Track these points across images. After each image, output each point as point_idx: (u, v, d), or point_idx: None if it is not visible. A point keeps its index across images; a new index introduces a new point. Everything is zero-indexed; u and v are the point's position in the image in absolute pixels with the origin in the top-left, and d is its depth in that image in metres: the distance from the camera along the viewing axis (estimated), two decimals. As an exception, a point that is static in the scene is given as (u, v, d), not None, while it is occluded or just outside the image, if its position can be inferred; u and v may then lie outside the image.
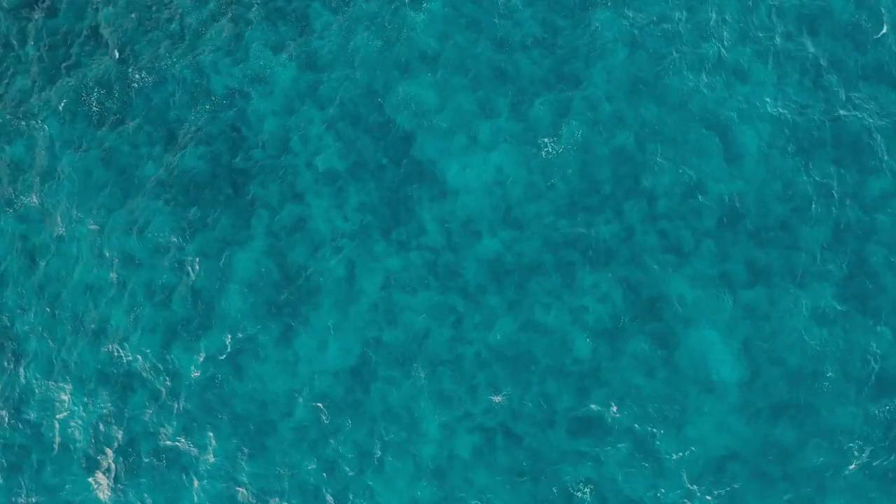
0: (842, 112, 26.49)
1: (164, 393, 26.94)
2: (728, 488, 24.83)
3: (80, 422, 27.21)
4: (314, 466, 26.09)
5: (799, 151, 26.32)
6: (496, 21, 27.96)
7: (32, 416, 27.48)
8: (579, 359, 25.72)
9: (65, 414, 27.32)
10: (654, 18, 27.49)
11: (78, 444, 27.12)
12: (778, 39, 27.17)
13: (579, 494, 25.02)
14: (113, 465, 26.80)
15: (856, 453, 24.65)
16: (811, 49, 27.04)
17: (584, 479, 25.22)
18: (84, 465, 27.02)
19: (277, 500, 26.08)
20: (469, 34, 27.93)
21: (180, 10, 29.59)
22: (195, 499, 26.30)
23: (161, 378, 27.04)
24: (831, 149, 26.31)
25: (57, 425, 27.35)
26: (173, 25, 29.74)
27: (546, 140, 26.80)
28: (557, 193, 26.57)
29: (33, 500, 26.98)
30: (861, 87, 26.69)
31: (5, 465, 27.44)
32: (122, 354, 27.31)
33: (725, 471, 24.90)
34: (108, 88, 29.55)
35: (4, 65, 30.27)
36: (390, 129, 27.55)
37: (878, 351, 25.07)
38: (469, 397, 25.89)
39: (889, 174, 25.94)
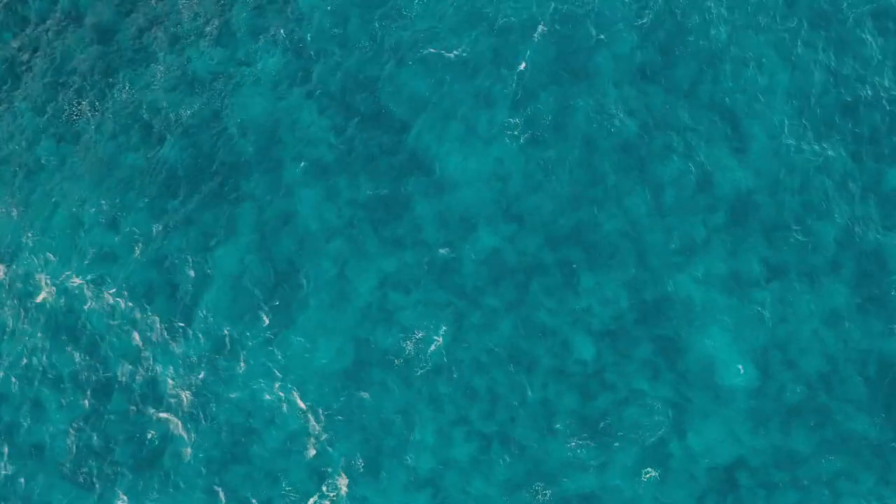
0: (859, 102, 26.47)
1: (143, 396, 26.67)
2: (736, 496, 24.82)
3: (56, 427, 26.82)
4: (302, 475, 25.85)
5: (813, 143, 26.32)
6: (496, 6, 27.83)
7: (7, 419, 27.09)
8: (582, 362, 25.69)
9: (41, 419, 26.93)
10: (662, 5, 27.44)
11: (54, 450, 26.69)
12: (790, 27, 27.19)
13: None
14: (90, 471, 26.42)
15: (871, 460, 24.59)
16: (825, 37, 27.13)
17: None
18: (60, 471, 26.55)
19: (263, 511, 26.04)
20: (467, 20, 27.77)
21: (161, -8, 29.69)
22: (178, 509, 26.18)
23: (140, 380, 26.73)
24: (847, 140, 26.32)
25: (32, 429, 26.94)
26: (156, 9, 29.47)
27: (544, 131, 26.84)
28: (559, 187, 26.51)
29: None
30: (878, 76, 26.67)
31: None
32: (100, 355, 26.97)
33: (733, 478, 24.91)
34: (87, 76, 29.26)
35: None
36: (384, 120, 27.43)
37: None
38: (466, 402, 25.77)
39: (907, 168, 26.29)
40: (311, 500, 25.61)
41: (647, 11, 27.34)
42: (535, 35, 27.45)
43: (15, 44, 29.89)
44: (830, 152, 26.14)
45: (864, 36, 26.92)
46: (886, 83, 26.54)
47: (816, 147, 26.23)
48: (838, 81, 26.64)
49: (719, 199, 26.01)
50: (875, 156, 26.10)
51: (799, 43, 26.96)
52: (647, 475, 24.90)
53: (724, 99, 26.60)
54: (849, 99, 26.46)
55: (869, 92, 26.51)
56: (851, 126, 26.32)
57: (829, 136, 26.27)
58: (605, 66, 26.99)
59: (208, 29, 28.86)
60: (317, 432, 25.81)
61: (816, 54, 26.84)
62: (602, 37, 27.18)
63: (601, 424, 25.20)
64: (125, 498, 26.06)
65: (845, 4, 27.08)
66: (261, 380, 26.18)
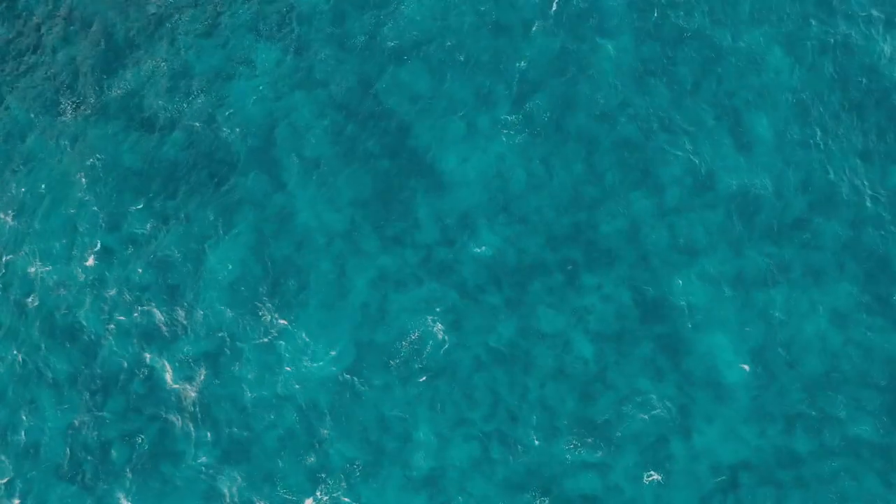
0: (865, 99, 26.37)
1: (142, 396, 26.55)
2: (738, 496, 24.65)
3: (54, 426, 26.71)
4: (301, 475, 25.67)
5: (819, 140, 26.16)
6: (495, 3, 27.79)
7: (4, 419, 26.94)
8: (582, 363, 25.56)
9: (38, 418, 26.82)
10: (665, 2, 27.43)
11: (52, 450, 26.58)
12: (795, 24, 27.10)
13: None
14: (88, 471, 26.28)
15: (874, 461, 24.44)
16: (831, 33, 27.00)
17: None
18: (58, 471, 26.42)
19: (261, 512, 26.03)
20: (467, 16, 27.70)
21: (159, -10, 29.68)
22: (174, 509, 26.15)
23: (139, 380, 26.62)
24: (854, 138, 26.19)
25: (29, 429, 26.82)
26: (151, 6, 29.39)
27: (545, 129, 26.75)
28: (560, 186, 26.41)
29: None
30: (885, 73, 26.60)
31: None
32: (97, 356, 26.86)
33: (736, 478, 24.76)
34: (83, 74, 29.16)
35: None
36: (383, 118, 27.35)
37: (900, 355, 25.13)
38: (466, 402, 25.65)
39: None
40: (310, 500, 25.46)
41: (649, 8, 27.22)
42: (536, 33, 27.37)
43: (11, 42, 29.85)
44: (836, 150, 26.02)
45: (870, 32, 26.76)
46: (895, 79, 26.47)
47: (822, 145, 26.08)
48: (844, 78, 26.52)
49: (723, 198, 25.89)
50: (882, 153, 25.97)
51: (804, 40, 26.85)
52: (650, 478, 24.79)
53: (728, 96, 26.51)
54: (855, 96, 26.35)
55: (876, 89, 26.38)
56: (858, 123, 26.18)
57: (835, 134, 26.14)
58: (608, 63, 26.88)
59: (207, 27, 28.81)
60: (316, 432, 25.68)
61: (822, 51, 26.72)
62: (604, 34, 27.10)
63: (602, 424, 25.06)
64: (124, 498, 25.95)
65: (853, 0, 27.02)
66: (260, 379, 26.05)
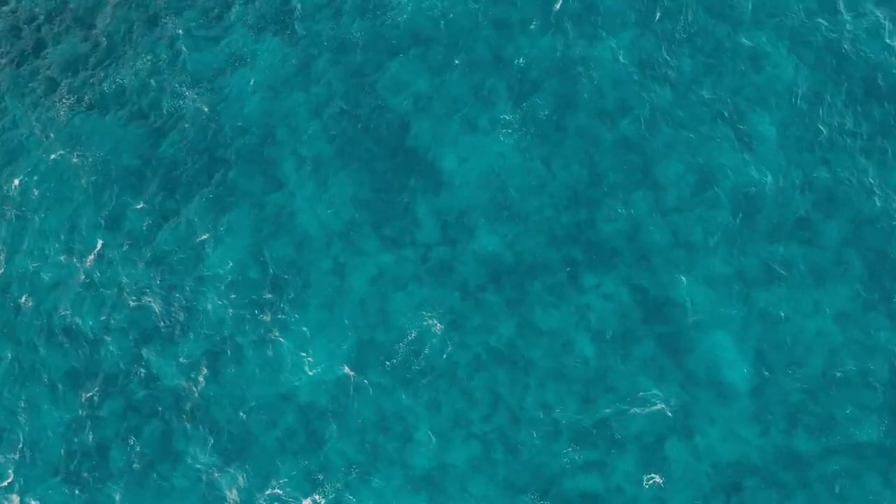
0: (869, 97, 26.25)
1: (140, 396, 26.55)
2: (740, 497, 24.50)
3: (52, 427, 26.78)
4: (299, 478, 25.67)
5: (819, 140, 26.06)
6: (495, 3, 27.82)
7: (2, 420, 27.06)
8: (583, 362, 25.46)
9: (37, 419, 26.89)
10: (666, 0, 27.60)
11: (50, 450, 26.67)
12: (798, 21, 27.02)
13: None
14: (87, 472, 26.36)
15: (877, 462, 24.26)
16: (834, 30, 26.89)
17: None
18: (56, 472, 26.52)
19: (260, 513, 25.98)
20: (466, 14, 27.71)
21: (157, -13, 29.69)
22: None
23: (135, 382, 26.64)
24: (856, 135, 26.04)
25: (28, 430, 26.90)
26: (150, 4, 29.50)
27: (545, 128, 26.68)
28: (560, 185, 26.31)
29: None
30: (891, 70, 26.40)
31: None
32: (94, 357, 26.89)
33: (738, 479, 24.62)
34: (81, 71, 29.24)
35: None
36: (382, 116, 27.32)
37: (903, 354, 24.97)
38: (466, 403, 25.59)
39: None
40: (309, 501, 25.43)
41: (650, 6, 27.14)
42: (536, 31, 27.33)
43: (9, 38, 29.91)
44: (839, 148, 25.90)
45: (875, 30, 26.64)
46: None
47: (825, 143, 25.97)
48: (848, 76, 26.39)
49: (724, 196, 25.77)
50: (885, 152, 25.80)
51: (808, 37, 26.74)
52: (651, 480, 24.72)
53: (731, 94, 26.41)
54: (859, 94, 26.22)
55: (880, 87, 26.25)
56: (862, 121, 26.06)
57: (838, 132, 26.02)
58: (608, 61, 26.80)
59: (205, 25, 28.84)
60: (316, 432, 25.66)
61: (826, 48, 26.62)
62: (605, 32, 27.02)
63: (603, 424, 24.97)
64: (121, 499, 25.95)
65: (854, -3, 26.98)
66: (259, 379, 26.03)
